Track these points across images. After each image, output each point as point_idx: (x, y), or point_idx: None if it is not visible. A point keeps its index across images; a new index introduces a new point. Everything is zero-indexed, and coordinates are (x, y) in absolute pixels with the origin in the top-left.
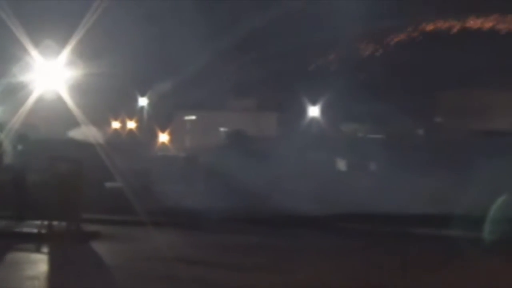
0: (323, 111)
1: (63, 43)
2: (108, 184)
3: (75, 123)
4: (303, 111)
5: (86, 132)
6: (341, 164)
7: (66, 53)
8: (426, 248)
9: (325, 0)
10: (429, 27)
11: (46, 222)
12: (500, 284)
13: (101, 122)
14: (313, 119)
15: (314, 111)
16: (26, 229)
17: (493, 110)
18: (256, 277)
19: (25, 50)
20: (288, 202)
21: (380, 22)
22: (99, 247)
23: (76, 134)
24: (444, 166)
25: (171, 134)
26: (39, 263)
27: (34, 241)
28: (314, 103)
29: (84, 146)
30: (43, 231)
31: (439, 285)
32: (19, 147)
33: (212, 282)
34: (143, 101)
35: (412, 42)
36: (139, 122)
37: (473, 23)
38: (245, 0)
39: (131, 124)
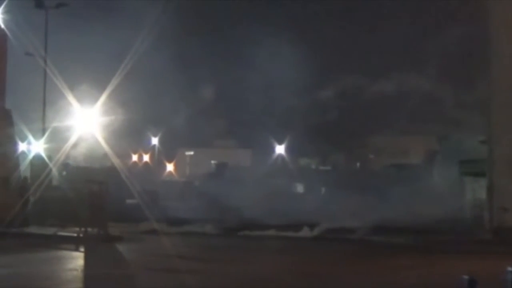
0: (287, 149)
1: (97, 94)
2: (128, 201)
3: (105, 156)
4: (271, 148)
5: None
6: (299, 188)
7: (99, 102)
8: (353, 248)
9: (279, 65)
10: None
11: (82, 228)
12: (397, 272)
13: (124, 155)
14: (279, 155)
15: (280, 149)
16: (67, 233)
17: (407, 150)
18: (233, 267)
19: (67, 100)
20: (259, 216)
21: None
22: (121, 247)
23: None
24: (372, 189)
25: (175, 165)
26: (77, 259)
27: (73, 242)
28: (280, 143)
29: (111, 172)
30: (80, 235)
31: (353, 273)
32: (64, 173)
33: (202, 272)
34: (155, 140)
35: (352, 96)
36: (152, 156)
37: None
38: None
39: (146, 157)
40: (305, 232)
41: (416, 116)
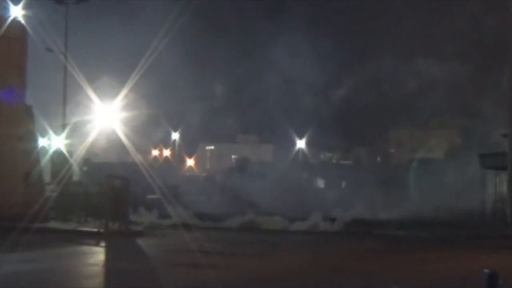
0: (307, 144)
1: (117, 89)
2: (149, 196)
3: (125, 151)
4: (292, 143)
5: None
6: (320, 183)
7: (119, 97)
8: (376, 243)
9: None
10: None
11: (103, 223)
12: (422, 266)
13: (144, 150)
14: (300, 149)
15: (300, 144)
16: (88, 228)
17: (429, 144)
18: (255, 262)
19: (87, 96)
20: (280, 210)
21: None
22: (142, 242)
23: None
24: (394, 183)
25: (195, 160)
26: (98, 254)
27: (94, 237)
28: (300, 137)
29: (131, 167)
30: (101, 229)
31: (378, 267)
32: (84, 168)
33: (223, 267)
34: (175, 135)
35: (372, 90)
36: (172, 150)
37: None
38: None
39: (167, 152)
40: (327, 226)
41: (438, 110)
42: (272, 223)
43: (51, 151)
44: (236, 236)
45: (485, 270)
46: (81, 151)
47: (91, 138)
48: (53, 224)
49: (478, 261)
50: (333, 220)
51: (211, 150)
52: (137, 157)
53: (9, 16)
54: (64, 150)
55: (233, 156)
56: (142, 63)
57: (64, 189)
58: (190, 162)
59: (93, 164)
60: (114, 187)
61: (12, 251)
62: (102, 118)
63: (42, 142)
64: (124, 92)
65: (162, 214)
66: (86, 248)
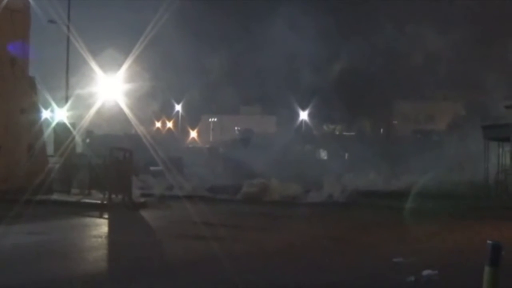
0: (310, 115)
1: (120, 61)
2: (152, 168)
3: (128, 123)
4: (295, 115)
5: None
6: (323, 154)
7: (122, 69)
8: (380, 214)
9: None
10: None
11: (106, 195)
12: (429, 238)
13: (147, 122)
14: (303, 121)
15: (303, 115)
16: (91, 200)
17: (432, 115)
18: (260, 234)
19: (90, 68)
20: (282, 182)
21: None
22: (146, 214)
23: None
24: (397, 155)
25: (199, 132)
26: (101, 226)
27: (98, 209)
28: (303, 108)
29: (134, 139)
30: (105, 202)
31: (383, 240)
32: (87, 140)
33: (228, 239)
34: (178, 107)
35: (376, 63)
36: (175, 122)
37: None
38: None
39: (169, 124)
40: (338, 197)
41: (441, 82)
42: (287, 190)
43: (54, 123)
44: (240, 208)
45: (488, 241)
46: (84, 123)
47: (94, 110)
48: (56, 196)
49: (481, 232)
50: (342, 191)
51: (214, 122)
52: (140, 129)
53: None
54: (67, 122)
55: (236, 128)
56: (145, 35)
57: (67, 161)
58: (193, 134)
59: (96, 136)
60: (117, 159)
61: (15, 223)
62: (105, 90)
63: (45, 114)
64: (127, 64)
65: (167, 186)
66: (89, 220)
